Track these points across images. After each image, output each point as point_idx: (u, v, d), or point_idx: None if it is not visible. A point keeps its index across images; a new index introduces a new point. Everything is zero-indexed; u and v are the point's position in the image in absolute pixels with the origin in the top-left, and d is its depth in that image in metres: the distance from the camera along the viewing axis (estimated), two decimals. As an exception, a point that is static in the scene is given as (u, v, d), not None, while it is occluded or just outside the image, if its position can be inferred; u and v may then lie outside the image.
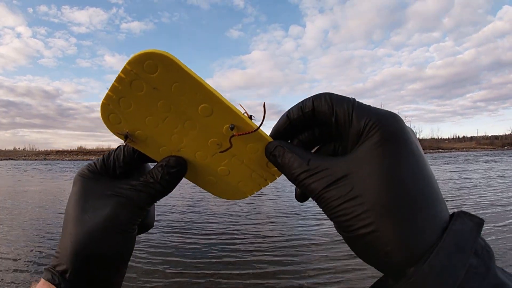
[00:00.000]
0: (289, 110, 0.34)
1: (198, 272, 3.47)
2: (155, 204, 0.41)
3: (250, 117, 0.34)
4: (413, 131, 0.31)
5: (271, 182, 0.40)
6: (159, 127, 0.35)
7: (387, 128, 0.28)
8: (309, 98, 0.33)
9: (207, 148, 0.36)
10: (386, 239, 0.26)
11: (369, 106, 0.31)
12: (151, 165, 0.39)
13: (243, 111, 0.34)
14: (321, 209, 0.30)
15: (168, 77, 0.31)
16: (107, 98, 0.33)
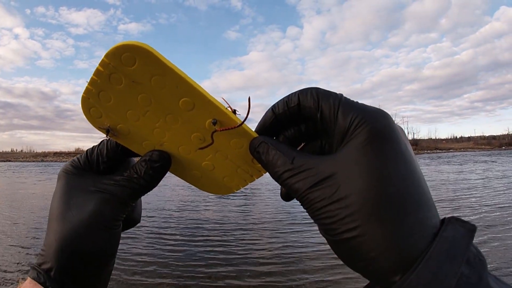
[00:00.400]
0: (274, 105, 0.33)
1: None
2: (141, 201, 0.41)
3: (234, 111, 0.34)
4: (402, 129, 0.30)
5: (257, 178, 0.39)
6: (141, 121, 0.34)
7: (374, 126, 0.27)
8: (295, 92, 0.32)
9: (190, 143, 0.35)
10: (371, 245, 0.24)
11: (356, 102, 0.30)
12: (136, 160, 0.39)
13: (226, 106, 0.33)
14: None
15: (147, 70, 0.30)
16: (87, 92, 0.32)
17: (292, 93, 0.32)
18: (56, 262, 0.32)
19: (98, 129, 0.35)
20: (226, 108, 0.33)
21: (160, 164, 0.36)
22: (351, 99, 0.30)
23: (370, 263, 0.25)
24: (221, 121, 0.33)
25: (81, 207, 0.34)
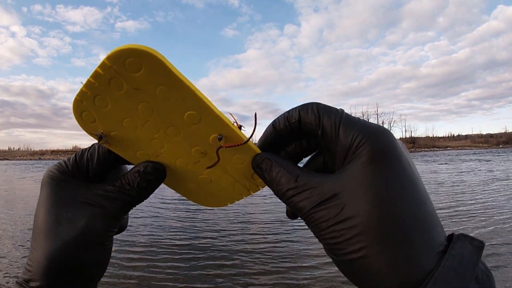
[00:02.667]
0: (275, 120, 0.32)
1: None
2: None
3: (240, 127, 0.32)
4: (404, 145, 0.29)
5: (253, 193, 0.38)
6: (138, 131, 0.32)
7: (376, 144, 0.27)
8: (295, 108, 0.31)
9: (190, 156, 0.34)
10: (377, 266, 0.24)
11: (358, 119, 0.29)
12: (128, 167, 0.37)
13: (232, 121, 0.32)
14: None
15: (153, 78, 0.28)
16: (81, 95, 0.30)
17: (292, 109, 0.31)
18: (45, 281, 0.30)
19: (90, 135, 0.32)
20: (233, 124, 0.32)
21: (154, 177, 0.34)
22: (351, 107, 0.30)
23: (376, 284, 0.24)
24: (227, 136, 0.31)
25: (71, 222, 0.32)
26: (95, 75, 0.28)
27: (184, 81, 0.28)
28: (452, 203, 6.75)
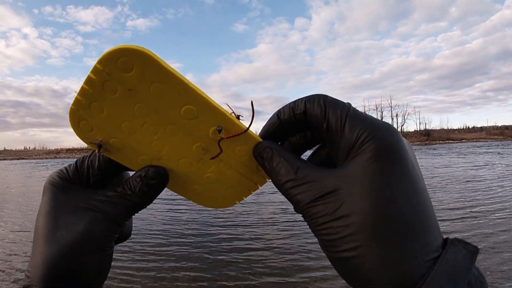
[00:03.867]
0: (279, 110, 0.32)
1: None
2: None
3: (238, 117, 0.32)
4: (410, 145, 0.29)
5: (260, 186, 0.37)
6: (137, 134, 0.31)
7: (381, 142, 0.26)
8: (301, 98, 0.31)
9: (192, 154, 0.33)
10: (370, 265, 0.24)
11: (365, 115, 0.29)
12: (130, 173, 0.36)
13: (230, 111, 0.32)
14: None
15: (145, 77, 0.28)
16: (76, 103, 0.29)
17: (298, 99, 0.31)
18: (43, 286, 0.30)
19: (89, 145, 0.32)
20: (231, 114, 0.31)
21: (156, 182, 0.33)
22: (360, 107, 0.29)
23: (368, 283, 0.24)
24: (226, 128, 0.31)
25: (71, 227, 0.31)
26: (88, 81, 0.28)
27: (176, 75, 0.28)
28: (467, 203, 6.11)
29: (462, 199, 6.49)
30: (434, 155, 20.36)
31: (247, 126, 0.31)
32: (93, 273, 0.32)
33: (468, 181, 8.89)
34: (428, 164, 14.30)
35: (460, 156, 19.06)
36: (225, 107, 0.32)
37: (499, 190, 7.28)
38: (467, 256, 0.24)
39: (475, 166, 12.95)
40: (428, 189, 0.28)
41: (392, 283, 0.23)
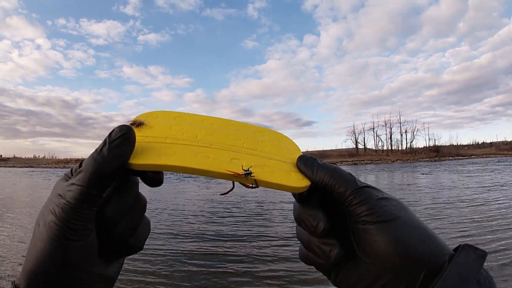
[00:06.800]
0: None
1: None
2: (150, 224, 0.36)
3: (247, 174, 0.31)
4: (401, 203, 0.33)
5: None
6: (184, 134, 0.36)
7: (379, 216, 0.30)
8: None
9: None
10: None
11: (370, 192, 0.32)
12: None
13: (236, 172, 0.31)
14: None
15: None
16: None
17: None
18: (24, 284, 0.28)
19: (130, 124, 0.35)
20: (238, 175, 0.31)
21: (120, 136, 0.30)
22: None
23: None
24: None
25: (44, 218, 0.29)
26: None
27: (174, 165, 0.30)
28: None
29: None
30: (442, 172, 19.30)
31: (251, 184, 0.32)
32: (71, 268, 0.28)
33: (477, 204, 8.19)
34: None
35: (471, 174, 18.32)
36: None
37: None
38: (477, 259, 0.27)
39: (485, 186, 11.87)
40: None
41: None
